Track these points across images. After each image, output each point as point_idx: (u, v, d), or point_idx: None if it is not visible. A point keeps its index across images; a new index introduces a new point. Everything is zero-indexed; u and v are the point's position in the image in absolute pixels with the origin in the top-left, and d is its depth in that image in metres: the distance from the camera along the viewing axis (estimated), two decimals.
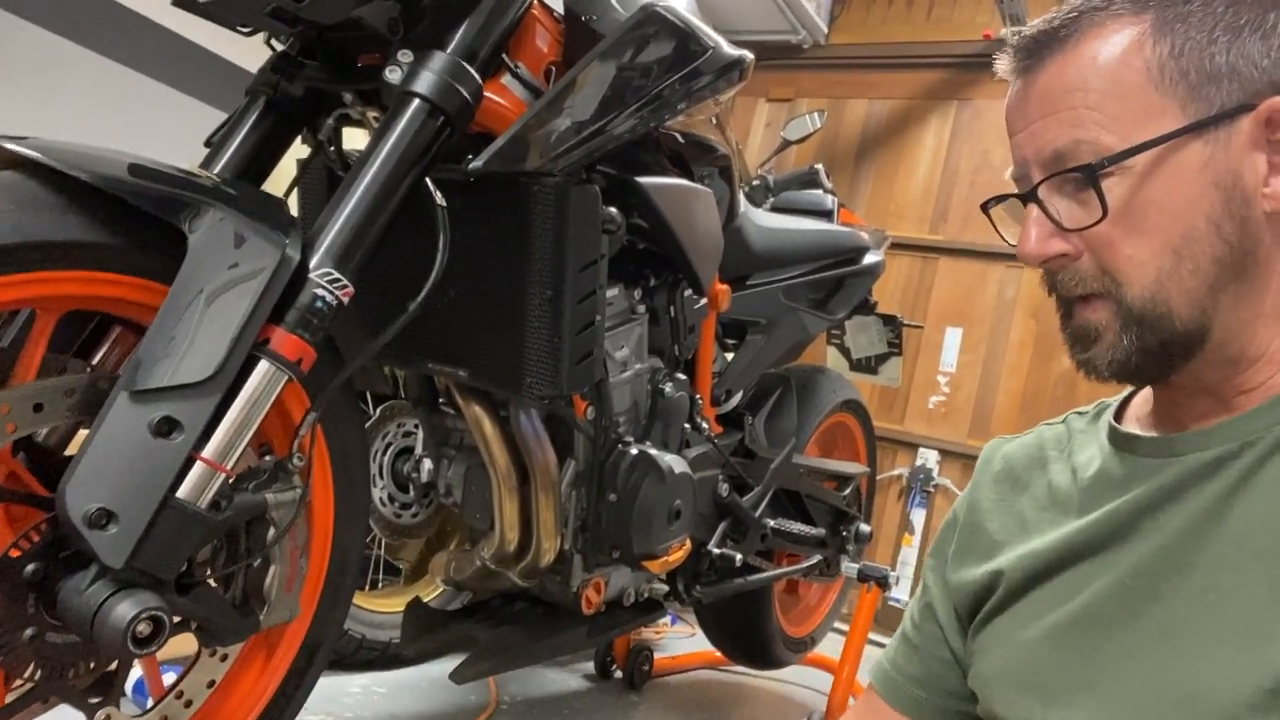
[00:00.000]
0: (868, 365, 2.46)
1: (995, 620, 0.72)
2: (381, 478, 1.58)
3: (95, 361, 0.96)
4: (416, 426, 1.58)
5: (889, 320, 2.40)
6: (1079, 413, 0.78)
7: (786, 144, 2.80)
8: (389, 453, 1.60)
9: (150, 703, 1.00)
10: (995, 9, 3.40)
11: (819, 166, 2.53)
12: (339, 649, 1.70)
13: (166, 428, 0.82)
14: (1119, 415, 0.74)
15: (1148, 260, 0.60)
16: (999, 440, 0.84)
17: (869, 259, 2.03)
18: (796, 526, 1.81)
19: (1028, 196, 0.63)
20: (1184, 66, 0.60)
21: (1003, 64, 0.69)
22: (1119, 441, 0.70)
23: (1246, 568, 0.57)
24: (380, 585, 1.98)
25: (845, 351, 2.46)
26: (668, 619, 2.53)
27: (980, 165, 3.57)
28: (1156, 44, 0.60)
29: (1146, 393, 0.73)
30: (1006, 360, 3.42)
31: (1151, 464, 0.65)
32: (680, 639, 2.47)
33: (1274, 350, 0.62)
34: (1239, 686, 0.53)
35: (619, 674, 2.06)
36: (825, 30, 3.88)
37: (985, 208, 0.72)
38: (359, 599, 1.78)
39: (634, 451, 1.35)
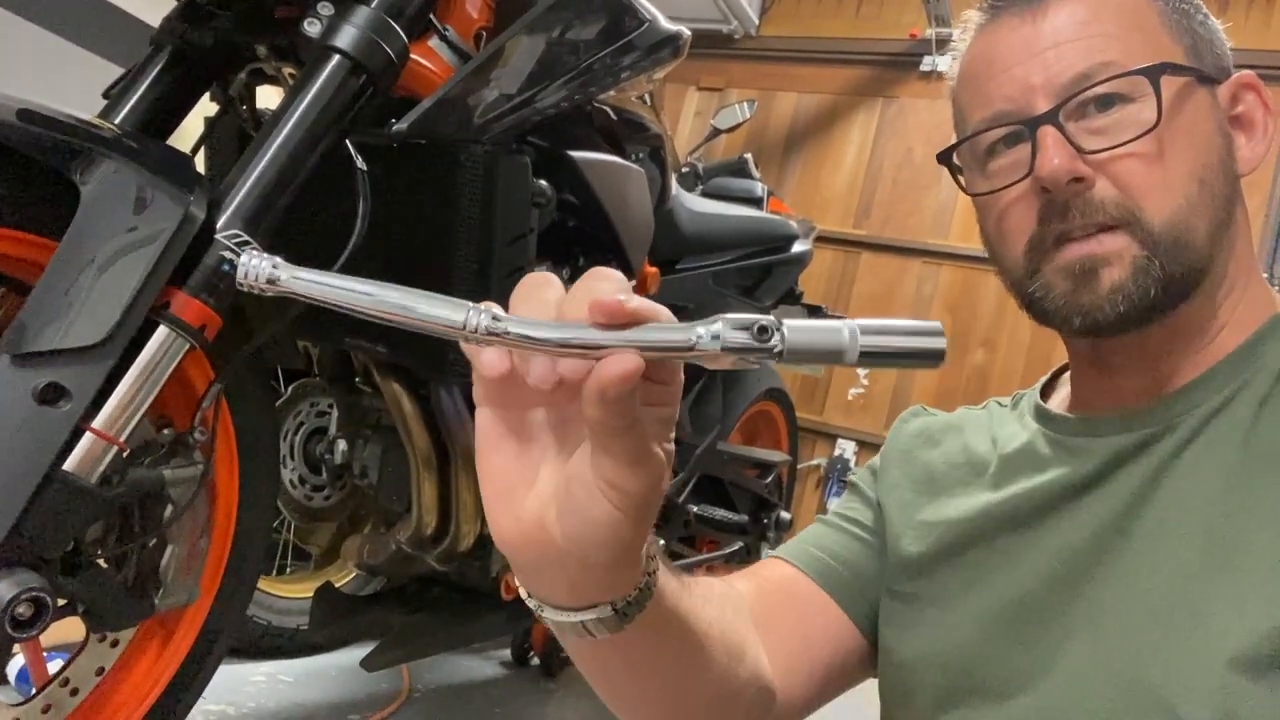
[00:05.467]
0: None
1: (905, 592, 0.70)
2: (292, 459, 1.51)
3: None
4: (330, 406, 1.51)
5: (814, 311, 2.42)
6: (999, 401, 0.79)
7: (716, 132, 2.80)
8: (300, 433, 1.53)
9: (33, 690, 0.93)
10: (922, 8, 3.46)
11: (748, 156, 2.53)
12: (243, 636, 1.62)
13: (53, 395, 0.76)
14: (1043, 397, 0.74)
15: (1176, 184, 0.59)
16: (920, 407, 0.83)
17: (797, 247, 2.04)
18: (720, 513, 1.81)
19: (1046, 118, 0.60)
20: (1184, 25, 0.63)
21: (977, 13, 0.67)
22: (1044, 419, 0.70)
23: (1172, 547, 0.57)
24: (289, 571, 1.90)
25: None
26: None
27: (903, 162, 3.64)
28: (1157, 1, 0.63)
29: (1066, 379, 0.73)
30: None
31: (1076, 444, 0.65)
32: None
33: (1219, 320, 0.63)
34: (1188, 674, 0.53)
35: (536, 661, 2.03)
36: (756, 21, 3.90)
37: (945, 157, 0.69)
38: (266, 584, 1.71)
39: None
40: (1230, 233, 0.62)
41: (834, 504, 0.85)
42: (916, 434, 0.78)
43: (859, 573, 0.73)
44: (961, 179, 0.69)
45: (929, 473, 0.74)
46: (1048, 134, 0.60)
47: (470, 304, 0.36)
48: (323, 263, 0.94)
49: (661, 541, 1.61)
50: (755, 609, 0.68)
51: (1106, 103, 0.60)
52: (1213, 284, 0.62)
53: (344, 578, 1.84)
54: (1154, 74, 0.58)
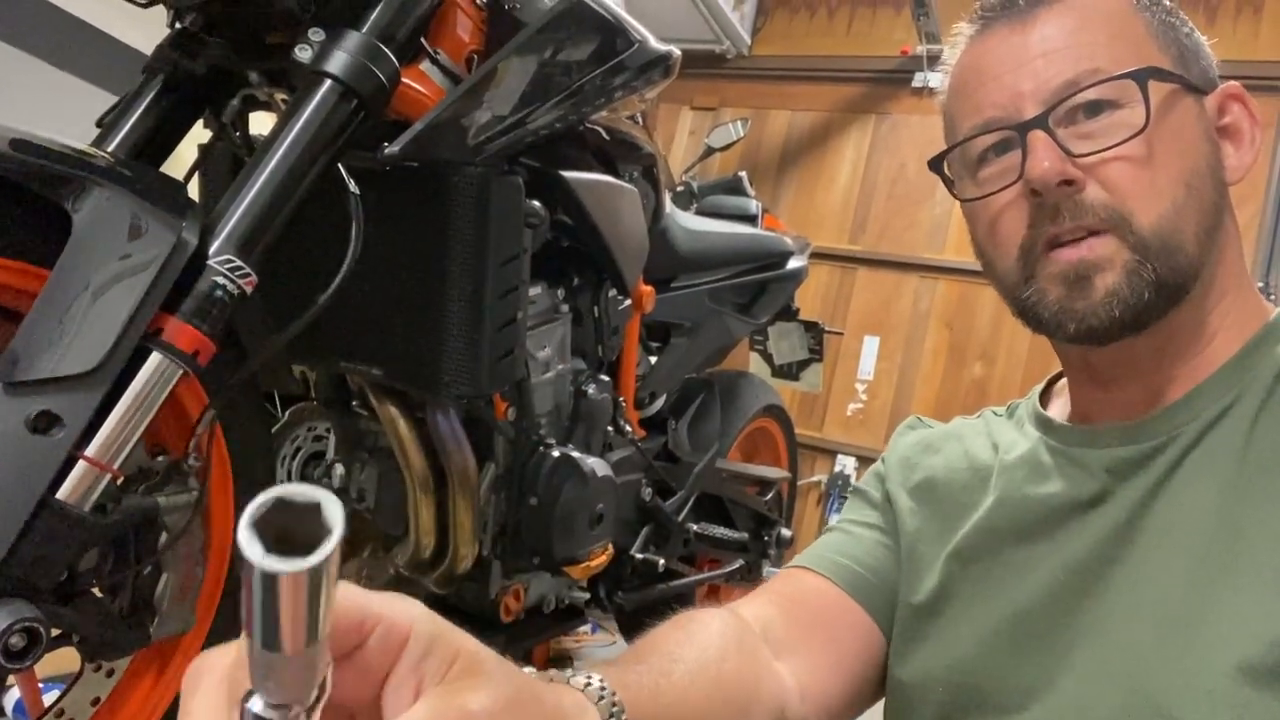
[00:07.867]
0: (790, 371, 2.47)
1: (911, 604, 0.69)
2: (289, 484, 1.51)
3: None
4: (328, 430, 1.51)
5: (811, 327, 2.42)
6: (994, 411, 0.78)
7: (711, 151, 2.82)
8: (298, 457, 1.53)
9: None
10: (913, 25, 3.48)
11: (742, 174, 2.54)
12: None
13: (45, 423, 0.75)
14: (1041, 404, 0.73)
15: (1164, 188, 0.60)
16: (917, 418, 0.83)
17: (793, 264, 2.04)
18: (719, 531, 1.80)
19: (1035, 123, 0.61)
20: (1170, 36, 0.64)
21: (966, 25, 0.67)
22: (1046, 428, 0.69)
23: (1173, 558, 0.56)
24: None
25: (768, 357, 2.47)
26: (588, 627, 2.49)
27: (897, 177, 3.65)
28: (1144, 12, 0.64)
29: (1063, 386, 0.73)
30: (921, 369, 3.49)
31: (1078, 455, 0.65)
32: (601, 647, 2.43)
33: (1211, 327, 0.63)
34: (1192, 685, 0.52)
35: None
36: (748, 41, 3.92)
37: (936, 164, 0.69)
38: None
39: (555, 454, 1.31)
40: (1219, 239, 0.62)
41: (834, 518, 0.84)
42: (916, 443, 0.78)
43: (884, 577, 0.72)
44: (954, 189, 0.69)
45: (930, 482, 0.73)
46: (1037, 138, 0.60)
47: None
48: (316, 286, 0.94)
49: (662, 561, 1.60)
50: (780, 632, 0.66)
51: (1095, 109, 0.60)
52: (1202, 290, 0.62)
53: None
54: (1142, 77, 0.59)
